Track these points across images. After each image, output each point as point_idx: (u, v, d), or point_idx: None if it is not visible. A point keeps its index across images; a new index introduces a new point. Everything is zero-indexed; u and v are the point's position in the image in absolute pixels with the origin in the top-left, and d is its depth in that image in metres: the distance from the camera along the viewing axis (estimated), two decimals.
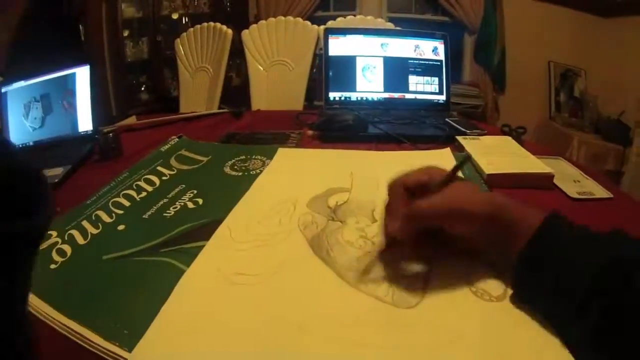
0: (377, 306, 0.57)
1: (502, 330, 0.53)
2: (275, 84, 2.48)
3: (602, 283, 0.47)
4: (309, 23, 2.47)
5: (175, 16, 4.45)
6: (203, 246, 0.71)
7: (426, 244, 0.65)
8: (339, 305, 0.58)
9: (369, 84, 1.66)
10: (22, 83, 1.40)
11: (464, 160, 0.68)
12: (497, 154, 1.07)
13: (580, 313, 0.48)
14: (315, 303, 0.58)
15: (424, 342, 0.51)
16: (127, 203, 0.89)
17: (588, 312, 0.47)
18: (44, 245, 0.73)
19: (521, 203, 0.59)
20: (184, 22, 4.48)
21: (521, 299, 0.56)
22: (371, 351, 0.50)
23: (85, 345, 0.53)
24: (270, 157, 1.11)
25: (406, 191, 0.66)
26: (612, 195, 0.93)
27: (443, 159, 1.11)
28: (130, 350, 0.50)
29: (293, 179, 0.99)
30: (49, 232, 0.77)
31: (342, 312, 0.56)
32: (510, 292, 0.58)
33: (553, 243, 0.54)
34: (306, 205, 0.84)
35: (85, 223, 0.81)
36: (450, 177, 0.64)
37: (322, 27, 2.29)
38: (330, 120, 1.33)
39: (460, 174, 0.75)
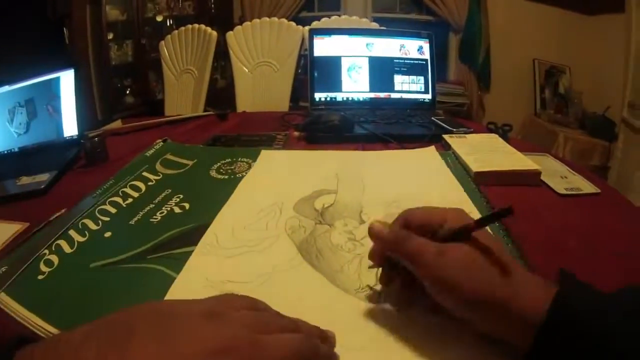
0: (369, 310, 0.56)
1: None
2: (261, 85, 2.47)
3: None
4: (293, 24, 2.47)
5: (159, 18, 4.44)
6: (191, 251, 0.71)
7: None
8: (330, 310, 0.57)
9: (355, 84, 1.66)
10: (6, 88, 1.38)
11: (498, 213, 0.49)
12: (483, 151, 1.07)
13: None
14: (306, 309, 0.57)
15: (418, 344, 0.50)
16: (113, 210, 0.88)
17: None
18: (31, 259, 0.73)
19: (535, 280, 0.47)
20: (168, 24, 4.47)
21: None
22: (364, 355, 0.50)
23: None
24: (256, 160, 1.11)
25: (413, 226, 0.54)
26: (599, 191, 0.94)
27: (428, 157, 1.11)
28: None
29: (278, 181, 0.98)
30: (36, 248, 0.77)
31: (334, 317, 0.55)
32: None
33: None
34: (292, 209, 0.84)
35: (72, 232, 0.80)
36: (465, 231, 0.50)
37: (307, 27, 2.29)
38: (316, 121, 1.32)
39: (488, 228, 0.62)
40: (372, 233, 0.55)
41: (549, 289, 0.44)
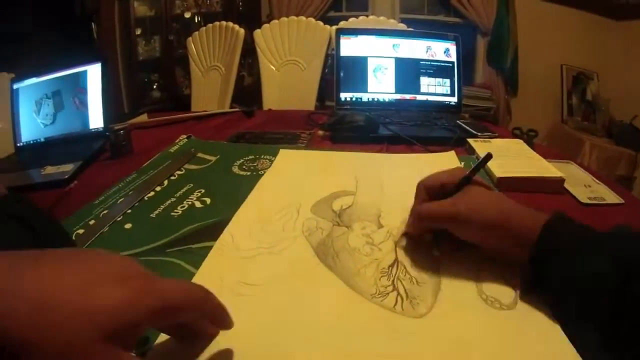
0: (385, 315, 0.56)
1: (512, 339, 0.52)
2: (287, 84, 2.47)
3: (607, 283, 0.48)
4: (321, 23, 2.47)
5: (187, 15, 4.46)
6: (210, 247, 0.71)
7: (440, 244, 0.69)
8: (346, 314, 0.57)
9: (380, 85, 1.65)
10: (33, 80, 1.40)
11: (482, 161, 0.68)
12: (508, 157, 1.06)
13: (589, 311, 0.49)
14: (321, 312, 0.57)
15: (432, 351, 0.50)
16: (134, 202, 0.89)
17: (598, 310, 0.48)
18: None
19: (527, 209, 0.61)
20: (196, 21, 4.49)
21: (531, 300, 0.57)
22: None
23: None
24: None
25: (426, 191, 0.70)
26: (623, 201, 0.92)
27: (447, 161, 1.10)
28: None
29: (296, 182, 0.98)
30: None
31: (350, 321, 0.55)
32: (520, 298, 0.58)
33: (558, 242, 0.55)
34: (310, 210, 0.83)
35: (92, 222, 0.81)
36: (465, 181, 0.66)
37: (334, 27, 2.28)
38: (341, 120, 1.32)
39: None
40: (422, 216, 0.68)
41: (540, 215, 0.58)
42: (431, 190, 0.69)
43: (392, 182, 0.94)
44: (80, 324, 0.34)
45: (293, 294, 0.61)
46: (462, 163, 1.07)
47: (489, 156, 0.66)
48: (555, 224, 0.56)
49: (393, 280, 0.62)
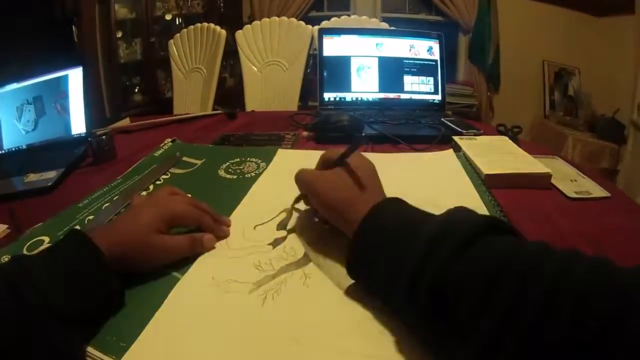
0: (374, 315, 0.55)
1: None
2: (270, 85, 2.47)
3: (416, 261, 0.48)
4: (303, 23, 2.47)
5: (168, 17, 4.44)
6: (198, 253, 0.70)
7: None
8: (334, 313, 0.56)
9: (364, 84, 1.65)
10: (14, 85, 1.38)
11: (350, 148, 0.71)
12: (494, 153, 1.06)
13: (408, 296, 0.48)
14: (310, 311, 0.57)
15: (420, 352, 0.50)
16: (119, 208, 0.88)
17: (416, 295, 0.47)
18: (35, 252, 0.72)
19: (371, 198, 0.62)
20: (177, 22, 4.47)
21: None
22: None
23: None
24: (265, 160, 1.10)
25: (322, 162, 0.77)
26: (609, 194, 0.92)
27: (445, 160, 1.10)
28: (118, 359, 0.49)
29: (291, 182, 0.97)
30: (40, 238, 0.77)
31: (338, 321, 0.55)
32: None
33: (379, 227, 0.57)
34: (304, 210, 0.83)
35: (77, 228, 0.80)
36: (338, 162, 0.71)
37: (316, 27, 2.28)
38: (325, 121, 1.32)
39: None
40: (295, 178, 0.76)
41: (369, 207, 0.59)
42: (325, 163, 0.75)
43: (390, 181, 0.94)
44: (142, 228, 0.64)
45: (283, 292, 0.60)
46: (459, 161, 1.07)
47: (355, 145, 0.70)
48: (375, 213, 0.58)
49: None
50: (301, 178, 0.74)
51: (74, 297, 0.51)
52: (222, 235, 0.74)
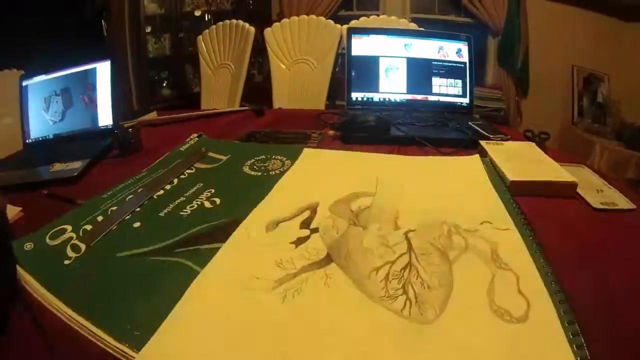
0: (393, 320, 0.55)
1: (520, 353, 0.50)
2: (298, 83, 2.47)
3: None
4: (331, 22, 2.46)
5: (197, 13, 4.47)
6: (218, 248, 0.70)
7: None
8: (353, 316, 0.56)
9: (392, 85, 1.64)
10: (43, 77, 1.41)
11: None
12: (520, 160, 1.05)
13: None
14: (330, 312, 0.56)
15: (440, 355, 0.49)
16: (143, 200, 0.88)
17: None
18: (58, 241, 0.74)
19: None
20: (206, 19, 4.50)
21: None
22: None
23: (94, 340, 0.53)
24: (290, 158, 1.09)
25: None
26: (634, 207, 0.89)
27: (471, 166, 1.08)
28: (138, 351, 0.50)
29: (316, 181, 0.97)
30: (63, 227, 0.78)
31: (356, 324, 0.54)
32: (532, 311, 0.56)
33: None
34: (328, 209, 0.82)
35: (100, 219, 0.81)
36: None
37: (345, 26, 2.27)
38: (352, 120, 1.31)
39: None
40: None
41: None
42: None
43: (413, 184, 0.93)
44: None
45: (302, 291, 0.60)
46: (485, 167, 1.05)
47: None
48: None
49: (404, 284, 0.61)
50: None
51: None
52: None
